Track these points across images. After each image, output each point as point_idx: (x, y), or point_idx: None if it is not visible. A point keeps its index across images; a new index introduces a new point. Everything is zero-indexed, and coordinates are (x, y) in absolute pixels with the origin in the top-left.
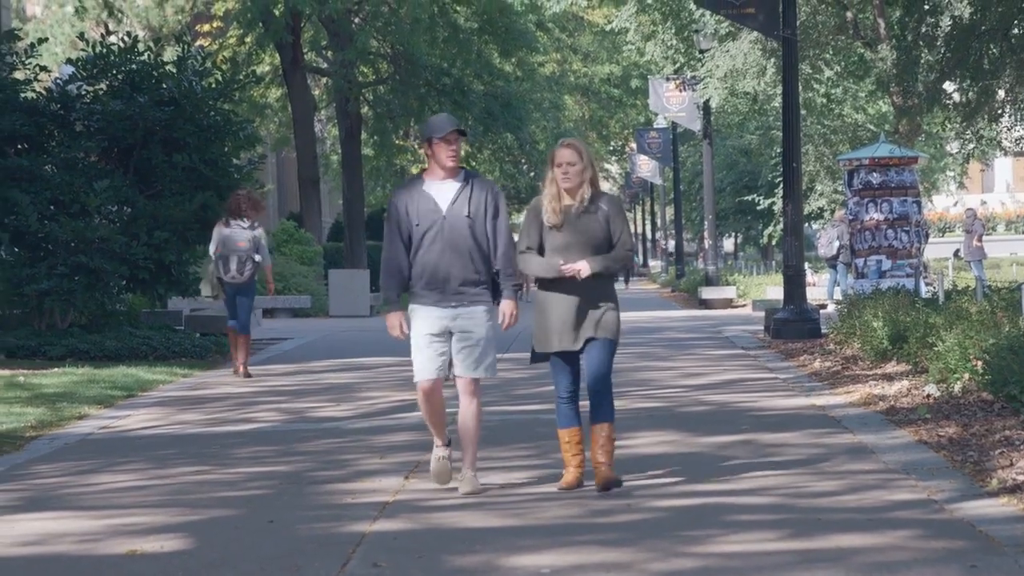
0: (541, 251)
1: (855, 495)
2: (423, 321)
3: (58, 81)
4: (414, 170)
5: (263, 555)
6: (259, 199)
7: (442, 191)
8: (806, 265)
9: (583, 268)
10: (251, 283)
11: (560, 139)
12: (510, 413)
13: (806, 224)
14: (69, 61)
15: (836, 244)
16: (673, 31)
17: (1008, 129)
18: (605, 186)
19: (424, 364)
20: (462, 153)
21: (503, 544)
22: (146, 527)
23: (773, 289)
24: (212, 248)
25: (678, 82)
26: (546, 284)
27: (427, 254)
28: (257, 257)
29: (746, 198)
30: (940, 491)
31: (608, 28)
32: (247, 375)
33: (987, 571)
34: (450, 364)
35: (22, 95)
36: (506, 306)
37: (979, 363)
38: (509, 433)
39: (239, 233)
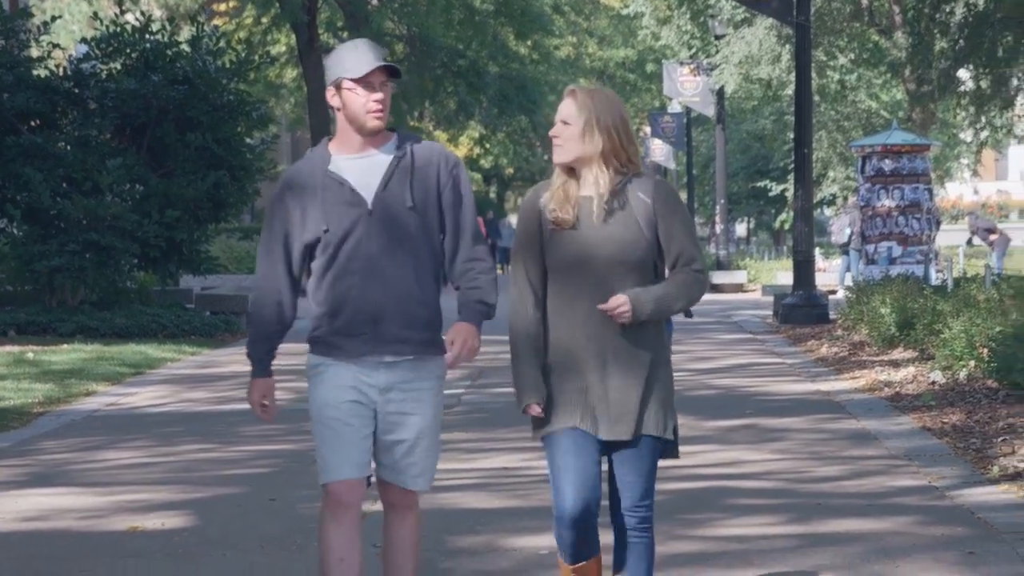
0: (543, 273)
1: (857, 481)
2: (334, 388)
3: (72, 59)
4: None
5: (264, 533)
6: None
7: (363, 170)
8: (816, 251)
9: (623, 308)
10: None
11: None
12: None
13: (818, 210)
14: (83, 40)
15: (848, 231)
16: (688, 16)
17: (1021, 117)
18: None
19: (336, 455)
20: (389, 108)
21: (504, 525)
22: (149, 504)
23: (784, 274)
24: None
25: (692, 67)
26: (556, 314)
27: (343, 279)
28: None
29: (759, 184)
30: (942, 478)
31: (624, 12)
32: None
33: (984, 558)
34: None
35: (36, 72)
36: (462, 331)
37: (985, 351)
38: (513, 415)
39: None
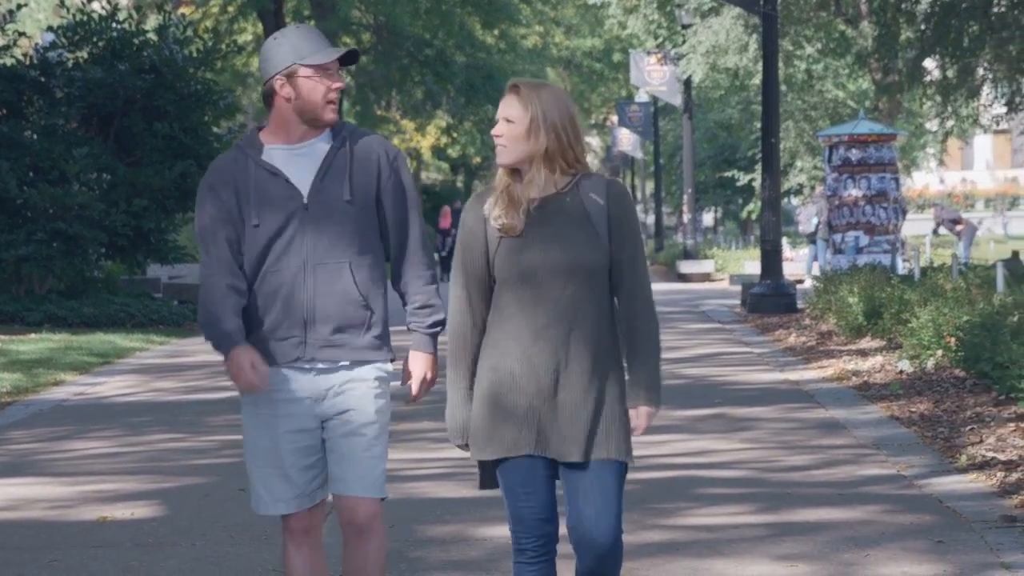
0: (488, 289)
1: (826, 470)
2: (270, 417)
3: (38, 47)
4: (397, 144)
5: (232, 523)
6: None
7: (298, 161)
8: (784, 240)
9: (650, 418)
10: None
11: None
12: None
13: (785, 200)
14: (50, 28)
15: (815, 220)
16: (655, 5)
17: (986, 107)
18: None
19: (279, 483)
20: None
21: (474, 515)
22: (118, 494)
23: (751, 264)
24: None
25: (659, 56)
26: (503, 329)
27: (274, 275)
28: None
29: (726, 174)
30: (910, 467)
31: (590, 2)
32: None
33: (953, 546)
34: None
35: (1, 61)
36: (417, 363)
37: (952, 340)
38: None
39: None
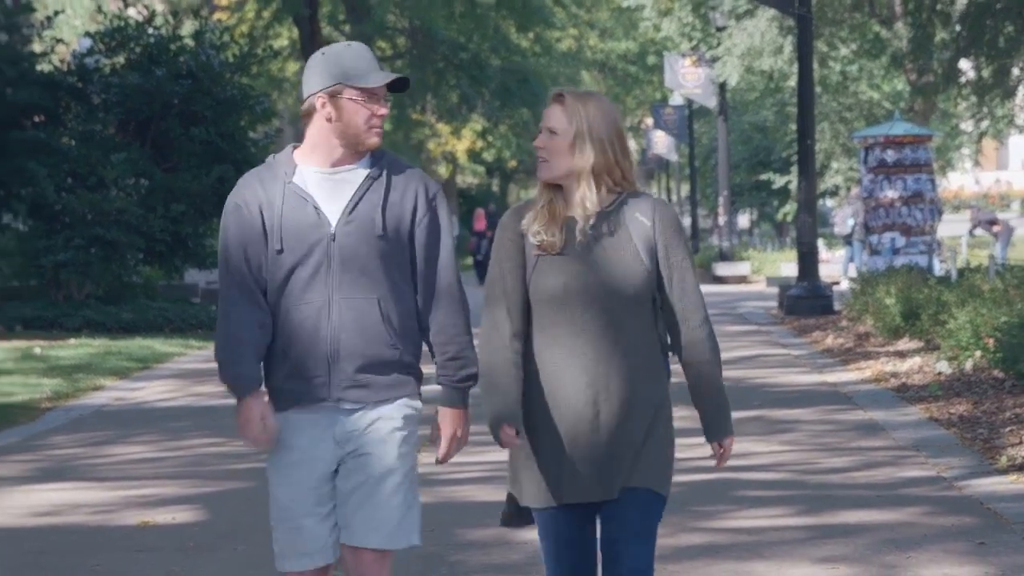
0: (524, 306)
1: (866, 472)
2: (292, 466)
3: (75, 54)
4: (433, 148)
5: None
6: None
7: (332, 187)
8: (820, 242)
9: (731, 446)
10: None
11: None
12: None
13: (821, 201)
14: (87, 34)
15: (851, 222)
16: (690, 8)
17: (1022, 107)
18: None
19: (296, 545)
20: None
21: None
22: (159, 498)
23: (787, 265)
24: None
25: (694, 59)
26: (538, 354)
27: (297, 309)
28: None
29: (761, 177)
30: (950, 468)
31: (625, 4)
32: None
33: (995, 548)
34: None
35: (39, 67)
36: (448, 420)
37: (991, 341)
38: None
39: None
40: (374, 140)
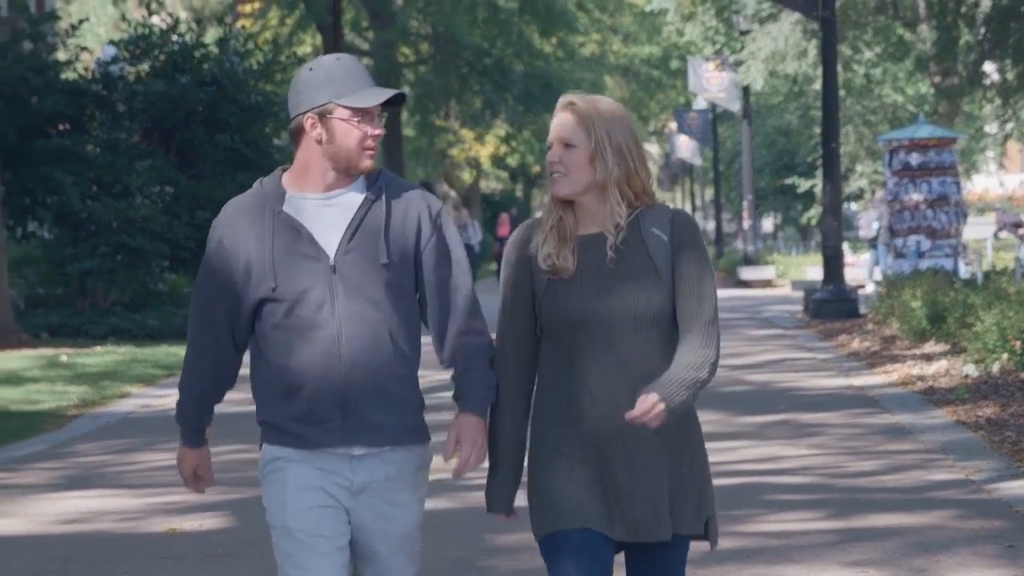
0: (534, 336)
1: (893, 475)
2: (299, 491)
3: (100, 62)
4: (456, 154)
5: None
6: None
7: (326, 214)
8: (844, 245)
9: (658, 408)
10: None
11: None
12: None
13: (845, 205)
14: (111, 42)
15: (876, 225)
16: (713, 12)
17: None
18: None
19: (308, 574)
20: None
21: None
22: (186, 505)
23: (812, 269)
24: None
25: (717, 63)
26: (555, 385)
27: (298, 351)
28: None
29: (786, 181)
30: (978, 471)
31: (648, 9)
32: None
33: None
34: None
35: (64, 76)
36: (466, 429)
37: (1017, 343)
38: None
39: None
40: (367, 164)
